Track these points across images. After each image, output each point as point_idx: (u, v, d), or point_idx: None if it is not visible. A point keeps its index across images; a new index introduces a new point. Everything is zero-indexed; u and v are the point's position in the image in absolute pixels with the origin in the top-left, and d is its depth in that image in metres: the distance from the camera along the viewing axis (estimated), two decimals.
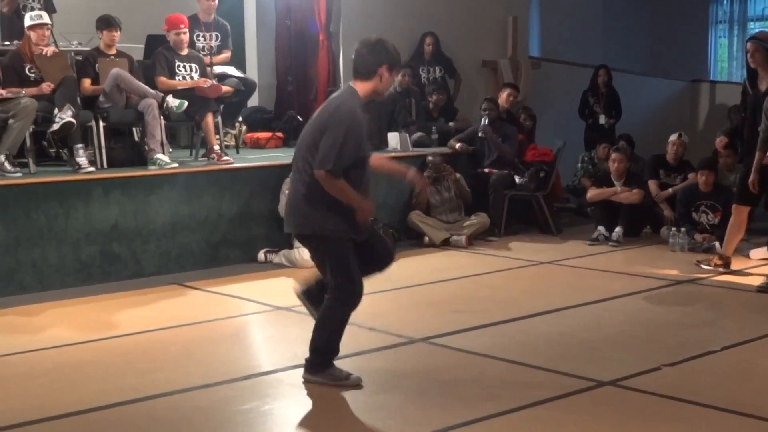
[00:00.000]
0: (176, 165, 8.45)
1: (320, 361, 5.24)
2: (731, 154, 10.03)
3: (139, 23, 10.14)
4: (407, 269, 8.50)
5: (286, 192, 8.48)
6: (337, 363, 5.58)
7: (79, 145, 8.15)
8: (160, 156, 8.37)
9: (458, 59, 12.15)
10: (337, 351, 5.28)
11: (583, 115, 12.75)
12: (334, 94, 5.30)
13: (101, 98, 8.58)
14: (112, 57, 8.77)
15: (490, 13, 12.78)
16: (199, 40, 9.84)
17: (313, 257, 5.35)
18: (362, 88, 5.14)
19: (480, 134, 10.30)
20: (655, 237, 9.86)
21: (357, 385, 5.18)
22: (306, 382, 5.22)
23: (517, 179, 10.21)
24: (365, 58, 5.12)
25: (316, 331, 5.24)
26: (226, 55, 10.17)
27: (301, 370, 5.37)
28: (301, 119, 11.11)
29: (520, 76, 12.80)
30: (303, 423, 4.80)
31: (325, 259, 5.18)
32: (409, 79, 11.15)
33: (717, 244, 8.94)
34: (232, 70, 10.00)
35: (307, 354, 5.26)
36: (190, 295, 7.58)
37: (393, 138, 10.42)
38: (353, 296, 5.16)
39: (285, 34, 11.88)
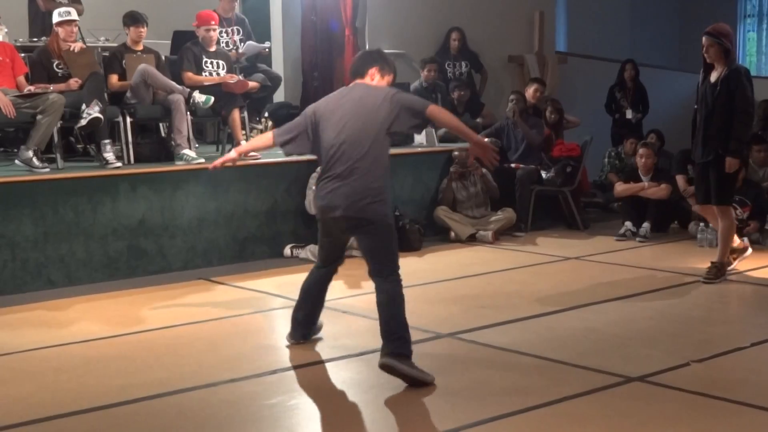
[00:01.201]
0: (203, 160, 8.46)
1: (409, 348, 5.15)
2: (763, 149, 9.95)
3: (166, 19, 10.19)
4: (433, 264, 8.51)
5: (313, 188, 8.52)
6: (364, 358, 5.61)
7: (107, 141, 8.19)
8: (186, 151, 8.40)
9: (484, 54, 12.13)
10: None
11: (610, 110, 12.69)
12: (363, 89, 5.47)
13: (128, 94, 8.62)
14: (139, 53, 8.81)
15: (517, 7, 12.75)
16: (222, 36, 9.86)
17: (370, 243, 5.38)
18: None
19: (508, 113, 10.29)
20: (683, 232, 9.81)
21: (431, 382, 5.09)
22: (395, 372, 5.05)
23: (543, 174, 10.18)
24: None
25: (397, 318, 5.23)
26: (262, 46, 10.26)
27: (327, 365, 5.41)
28: None
29: (547, 71, 12.77)
30: (328, 418, 4.80)
31: (387, 242, 5.36)
32: (435, 74, 11.13)
33: (746, 240, 8.87)
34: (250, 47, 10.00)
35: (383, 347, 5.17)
36: (217, 290, 7.60)
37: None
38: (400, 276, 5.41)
39: (310, 29, 11.87)
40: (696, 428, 4.50)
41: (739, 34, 17.43)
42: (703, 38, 7.51)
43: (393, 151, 9.72)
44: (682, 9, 16.47)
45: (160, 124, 9.32)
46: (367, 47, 11.44)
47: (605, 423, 4.57)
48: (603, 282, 7.69)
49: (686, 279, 7.66)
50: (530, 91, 10.87)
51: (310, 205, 8.63)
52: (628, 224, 9.64)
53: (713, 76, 7.52)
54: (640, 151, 10.02)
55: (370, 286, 7.59)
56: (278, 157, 9.23)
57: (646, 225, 9.51)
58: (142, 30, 8.80)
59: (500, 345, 5.83)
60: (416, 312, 6.68)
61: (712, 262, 7.65)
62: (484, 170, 9.84)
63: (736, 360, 5.56)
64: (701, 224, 9.23)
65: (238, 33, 10.15)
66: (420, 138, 10.35)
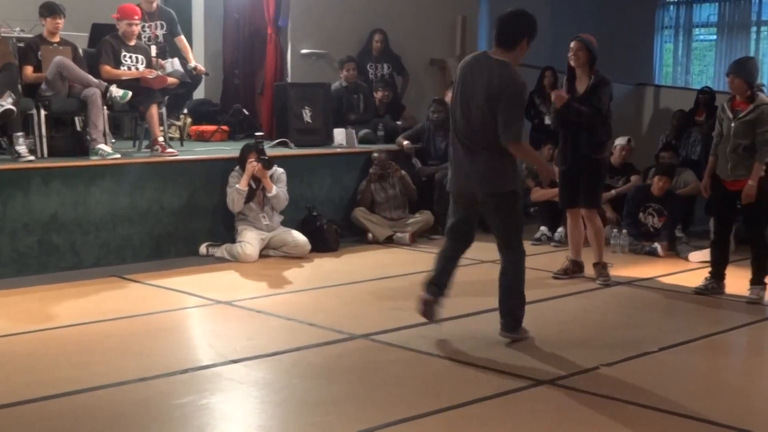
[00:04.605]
0: (118, 156, 8.35)
1: (521, 317, 5.97)
2: (673, 156, 10.18)
3: (85, 11, 10.00)
4: (350, 265, 8.52)
5: (237, 186, 8.49)
6: (277, 358, 5.58)
7: (19, 134, 8.02)
8: (102, 146, 8.27)
9: (407, 57, 12.16)
10: None
11: (528, 115, 12.80)
12: (488, 66, 5.78)
13: (43, 86, 8.46)
14: (56, 45, 8.65)
15: (440, 11, 12.81)
16: (144, 31, 9.72)
17: (495, 216, 5.89)
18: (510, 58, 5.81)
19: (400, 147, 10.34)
20: None
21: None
22: (510, 340, 5.94)
23: None
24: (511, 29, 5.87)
25: (513, 291, 5.93)
26: (184, 44, 10.11)
27: (240, 365, 5.40)
28: (247, 113, 11.07)
29: None
30: (240, 418, 4.77)
31: (512, 215, 5.86)
32: (354, 72, 11.12)
33: (658, 246, 9.04)
34: (176, 63, 9.79)
35: (498, 319, 6.00)
36: (130, 287, 7.50)
37: (339, 134, 10.41)
38: (524, 250, 5.99)
39: (233, 27, 11.81)
40: (604, 431, 4.57)
41: (656, 45, 17.76)
42: (573, 42, 7.63)
43: (312, 151, 9.83)
44: (600, 19, 16.68)
45: (76, 118, 9.13)
46: (289, 46, 11.41)
47: (514, 425, 4.61)
48: None
49: (597, 284, 7.78)
50: (450, 95, 10.88)
51: (233, 203, 8.57)
52: (544, 229, 9.77)
53: (580, 86, 7.66)
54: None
55: (285, 286, 7.61)
56: (196, 154, 9.18)
57: (561, 230, 9.62)
58: (59, 21, 8.63)
59: (413, 347, 5.85)
60: (330, 313, 6.71)
61: (594, 264, 7.89)
62: (403, 172, 9.88)
63: (644, 364, 5.66)
64: (614, 230, 9.38)
65: (161, 28, 10.00)
66: (340, 139, 10.35)
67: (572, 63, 7.66)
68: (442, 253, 6.12)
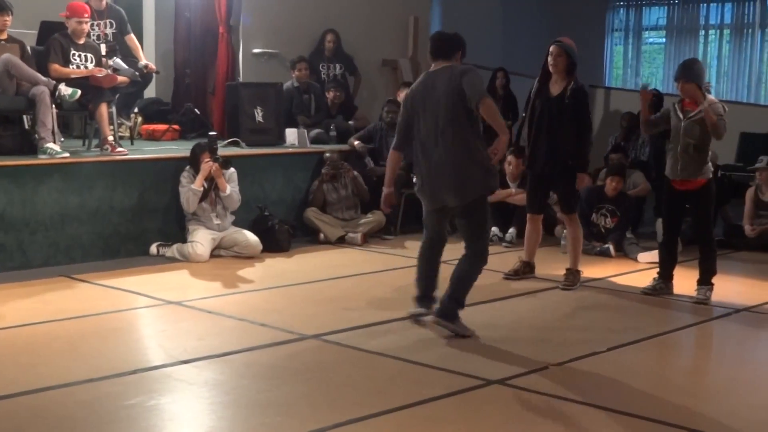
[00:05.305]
0: (67, 155, 8.26)
1: (456, 310, 6.09)
2: (622, 158, 10.28)
3: (33, 8, 9.88)
4: (302, 265, 8.50)
5: (191, 186, 8.44)
6: (228, 359, 5.56)
7: None
8: (50, 145, 8.18)
9: (359, 57, 12.16)
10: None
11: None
12: (439, 73, 6.24)
13: None
14: (3, 42, 8.53)
15: (392, 12, 12.83)
16: (93, 29, 9.63)
17: (462, 219, 6.22)
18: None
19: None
20: (548, 238, 9.97)
21: (471, 336, 6.08)
22: (439, 325, 6.12)
23: (413, 178, 10.23)
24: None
25: (458, 283, 6.12)
26: (135, 43, 10.00)
27: (190, 366, 5.37)
28: (198, 112, 11.00)
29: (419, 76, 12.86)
30: (189, 419, 4.74)
31: (482, 218, 6.21)
32: (306, 72, 11.09)
33: (611, 246, 9.12)
34: (118, 63, 9.64)
35: (436, 304, 6.27)
36: (79, 287, 7.42)
37: (291, 134, 10.38)
38: (488, 252, 6.31)
39: (184, 26, 11.72)
40: (553, 429, 4.61)
41: (606, 48, 17.92)
42: (553, 47, 7.56)
43: (264, 151, 9.80)
44: (552, 20, 16.80)
45: (24, 117, 9.01)
46: (241, 46, 11.37)
47: (465, 425, 4.63)
48: None
49: (548, 285, 7.84)
50: (402, 95, 10.91)
51: (188, 203, 8.50)
52: (495, 229, 9.80)
53: (555, 89, 7.62)
54: (508, 158, 10.17)
55: (236, 287, 7.58)
56: (146, 153, 9.10)
57: (512, 231, 9.68)
58: (7, 18, 8.51)
59: (364, 347, 5.86)
60: (282, 313, 6.69)
61: (567, 269, 7.85)
62: (355, 173, 9.87)
63: (592, 364, 5.71)
64: (565, 230, 9.42)
65: (111, 26, 9.90)
66: (291, 139, 10.33)
67: (551, 69, 7.55)
68: (424, 257, 6.48)
